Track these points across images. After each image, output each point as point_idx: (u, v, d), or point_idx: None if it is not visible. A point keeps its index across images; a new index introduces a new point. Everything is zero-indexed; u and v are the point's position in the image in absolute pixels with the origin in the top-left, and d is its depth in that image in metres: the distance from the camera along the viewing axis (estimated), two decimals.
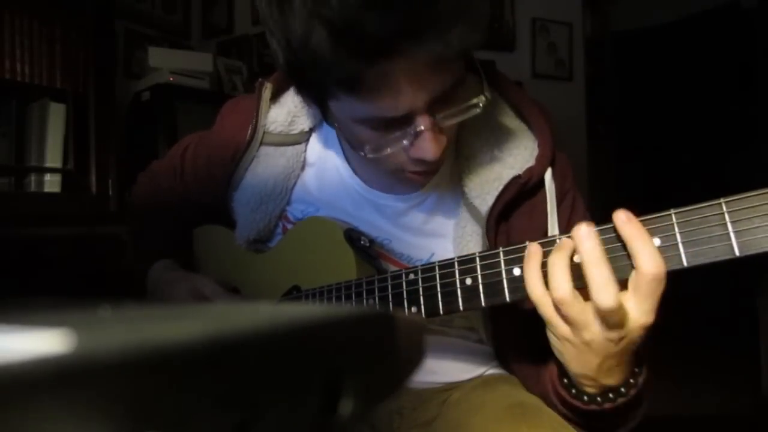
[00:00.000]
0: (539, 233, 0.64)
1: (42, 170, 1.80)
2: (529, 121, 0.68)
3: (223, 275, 0.80)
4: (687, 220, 0.44)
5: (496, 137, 0.67)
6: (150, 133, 2.12)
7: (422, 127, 0.54)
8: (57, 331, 0.11)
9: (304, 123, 0.74)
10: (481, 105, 0.57)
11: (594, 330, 0.47)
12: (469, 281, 0.54)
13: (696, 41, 3.43)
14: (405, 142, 0.56)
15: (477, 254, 0.54)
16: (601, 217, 0.48)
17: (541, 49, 2.80)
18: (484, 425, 0.62)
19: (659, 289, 0.45)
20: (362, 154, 0.59)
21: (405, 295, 0.58)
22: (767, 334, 1.96)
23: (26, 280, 1.44)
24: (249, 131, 0.73)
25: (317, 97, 0.60)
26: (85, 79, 1.91)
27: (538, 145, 0.66)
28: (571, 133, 2.77)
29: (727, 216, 0.42)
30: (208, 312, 0.20)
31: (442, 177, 0.71)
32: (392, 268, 0.70)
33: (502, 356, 0.74)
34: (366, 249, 0.67)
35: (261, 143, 0.74)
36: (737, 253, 0.42)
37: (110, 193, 1.89)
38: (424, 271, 0.57)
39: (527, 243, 0.51)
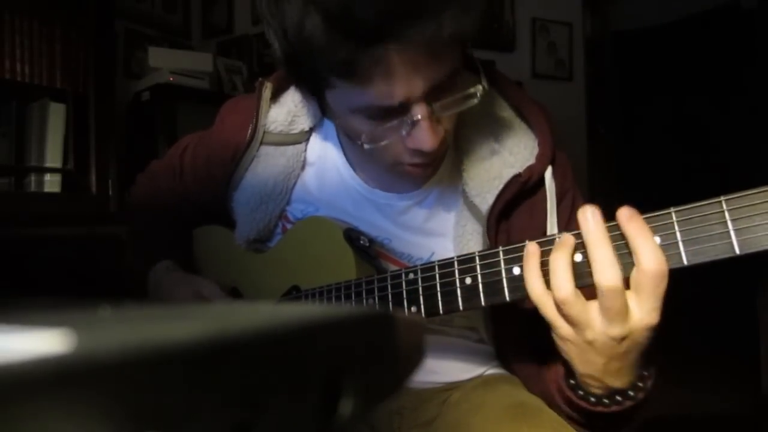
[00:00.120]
0: (539, 232, 0.64)
1: (42, 170, 1.80)
2: (529, 120, 0.68)
3: (222, 275, 0.80)
4: (687, 219, 0.44)
5: (496, 136, 0.67)
6: (150, 132, 2.12)
7: (419, 116, 0.54)
8: (57, 331, 0.11)
9: (304, 122, 0.74)
10: (478, 94, 0.57)
11: (596, 329, 0.47)
12: (468, 281, 0.54)
13: (696, 41, 3.43)
14: (402, 132, 0.56)
15: (476, 253, 0.54)
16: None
17: (541, 49, 2.80)
18: (484, 425, 0.62)
19: (661, 286, 0.44)
20: (359, 143, 0.59)
21: (404, 295, 0.58)
22: (767, 334, 1.96)
23: (26, 280, 1.44)
24: (249, 130, 0.73)
25: (315, 89, 0.60)
26: (85, 79, 1.91)
27: (538, 144, 0.66)
28: (571, 133, 2.77)
29: (727, 214, 0.42)
30: (208, 312, 0.20)
31: (443, 175, 0.71)
32: (392, 267, 0.70)
33: (503, 356, 0.74)
34: (365, 249, 0.67)
35: (261, 143, 0.74)
36: (737, 252, 0.42)
37: (110, 193, 1.89)
38: (423, 270, 0.57)
39: (527, 242, 0.51)
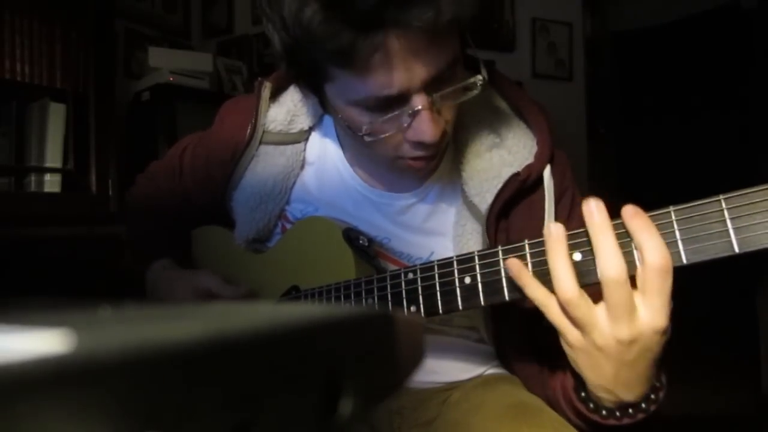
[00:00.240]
0: (538, 230, 0.64)
1: (42, 170, 1.80)
2: (528, 120, 0.68)
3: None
4: (686, 217, 0.44)
5: (495, 135, 0.67)
6: (150, 133, 2.12)
7: (419, 107, 0.54)
8: (57, 331, 0.11)
9: (303, 122, 0.74)
10: (478, 84, 0.57)
11: (604, 330, 0.46)
12: (468, 280, 0.54)
13: (696, 42, 3.43)
14: (403, 124, 0.56)
15: (476, 253, 0.54)
16: None
17: (541, 49, 2.80)
18: (484, 425, 0.62)
19: (667, 283, 0.44)
20: (360, 135, 0.58)
21: (404, 295, 0.58)
22: (767, 334, 1.96)
23: (26, 280, 1.44)
24: (248, 130, 0.73)
25: (314, 82, 0.60)
26: (85, 79, 1.91)
27: (537, 143, 0.66)
28: (571, 133, 2.77)
29: (726, 213, 0.42)
30: (208, 312, 0.20)
31: (442, 173, 0.71)
32: (392, 267, 0.70)
33: (503, 356, 0.74)
34: (365, 248, 0.67)
35: (260, 142, 0.74)
36: (737, 250, 0.42)
37: (110, 193, 1.89)
38: (423, 270, 0.57)
39: (511, 256, 0.51)
